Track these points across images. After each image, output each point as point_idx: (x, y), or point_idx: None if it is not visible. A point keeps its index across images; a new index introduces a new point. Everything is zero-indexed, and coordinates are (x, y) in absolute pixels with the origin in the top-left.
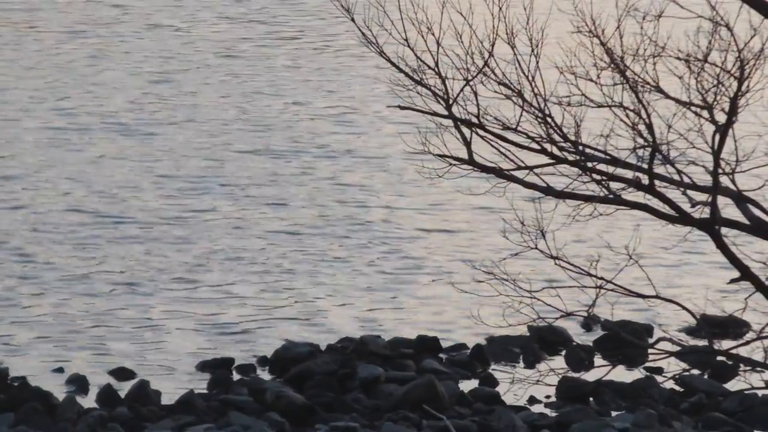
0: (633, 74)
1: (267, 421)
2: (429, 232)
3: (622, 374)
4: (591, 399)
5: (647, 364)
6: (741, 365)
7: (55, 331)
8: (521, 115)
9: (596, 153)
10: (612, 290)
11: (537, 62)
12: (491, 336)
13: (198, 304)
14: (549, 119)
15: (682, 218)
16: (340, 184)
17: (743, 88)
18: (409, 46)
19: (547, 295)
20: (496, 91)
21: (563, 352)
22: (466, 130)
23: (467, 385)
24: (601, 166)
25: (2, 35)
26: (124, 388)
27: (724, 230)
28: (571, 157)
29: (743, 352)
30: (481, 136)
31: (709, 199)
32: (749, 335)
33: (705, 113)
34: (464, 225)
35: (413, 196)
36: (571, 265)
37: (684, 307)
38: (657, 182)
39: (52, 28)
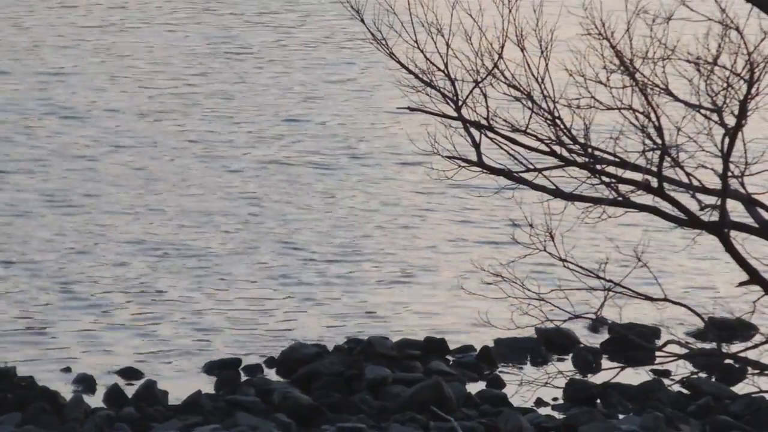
0: (642, 77)
1: (274, 422)
2: (437, 233)
3: (630, 377)
4: (598, 401)
5: (655, 367)
6: (749, 368)
7: (63, 330)
8: (530, 117)
9: (605, 155)
10: (620, 293)
11: (546, 64)
12: (499, 338)
13: (205, 304)
14: (558, 121)
15: (690, 221)
16: (348, 186)
17: (753, 91)
18: (418, 48)
19: (555, 297)
20: (505, 93)
21: (571, 355)
22: (475, 132)
23: (474, 387)
24: (610, 169)
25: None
26: (131, 388)
27: (733, 233)
28: (580, 160)
29: (751, 355)
30: (491, 138)
31: (718, 202)
32: (757, 338)
33: (714, 116)
34: (472, 227)
35: (422, 198)
36: (580, 267)
37: (692, 310)
38: (666, 185)
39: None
